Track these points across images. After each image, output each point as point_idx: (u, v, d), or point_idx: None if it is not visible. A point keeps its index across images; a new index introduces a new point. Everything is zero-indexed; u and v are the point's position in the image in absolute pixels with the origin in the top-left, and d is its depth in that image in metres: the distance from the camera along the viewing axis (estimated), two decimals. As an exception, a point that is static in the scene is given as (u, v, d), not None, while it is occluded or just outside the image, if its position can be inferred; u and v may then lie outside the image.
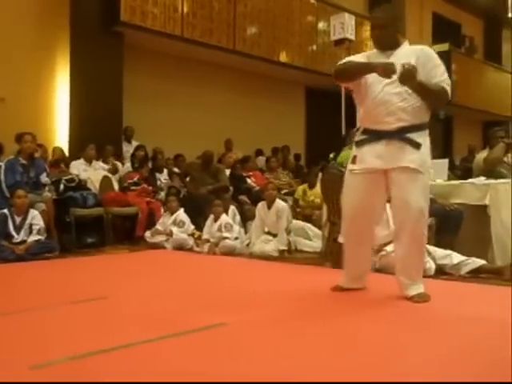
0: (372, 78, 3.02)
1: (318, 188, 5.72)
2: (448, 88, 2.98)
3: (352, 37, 7.50)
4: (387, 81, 2.94)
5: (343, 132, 7.02)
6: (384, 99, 2.98)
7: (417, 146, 2.96)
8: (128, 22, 7.39)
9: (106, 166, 7.07)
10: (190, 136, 8.50)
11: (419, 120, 3.00)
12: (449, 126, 14.40)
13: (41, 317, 2.76)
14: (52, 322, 2.66)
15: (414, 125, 2.98)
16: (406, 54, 3.01)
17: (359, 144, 3.14)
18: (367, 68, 3.02)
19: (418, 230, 2.99)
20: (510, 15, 12.54)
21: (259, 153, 9.42)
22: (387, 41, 3.09)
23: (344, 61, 3.19)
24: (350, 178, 3.17)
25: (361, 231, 3.17)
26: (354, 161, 3.16)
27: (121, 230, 6.46)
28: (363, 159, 3.09)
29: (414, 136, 2.97)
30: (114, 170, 7.06)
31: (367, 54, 3.22)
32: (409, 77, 2.80)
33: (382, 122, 3.00)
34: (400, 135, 2.97)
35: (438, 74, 2.98)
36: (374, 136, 3.05)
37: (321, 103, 10.55)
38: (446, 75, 3.02)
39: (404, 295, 3.07)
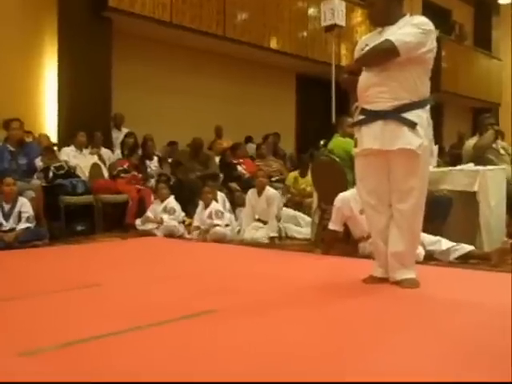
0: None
1: (309, 176, 5.73)
2: (394, 42, 2.84)
3: (342, 23, 7.48)
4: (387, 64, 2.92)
5: (333, 119, 7.03)
6: (374, 78, 2.97)
7: (412, 125, 2.89)
8: (116, 7, 7.30)
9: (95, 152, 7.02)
10: (181, 123, 8.45)
11: (416, 97, 2.93)
12: (438, 112, 14.41)
13: (32, 304, 2.76)
14: (43, 309, 2.66)
15: (410, 103, 2.92)
16: (398, 28, 2.97)
17: (357, 125, 3.11)
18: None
19: (413, 215, 2.99)
20: (500, 2, 12.52)
21: (249, 140, 9.39)
22: (379, 17, 3.07)
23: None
24: (357, 163, 3.17)
25: (381, 213, 3.09)
26: (355, 144, 3.16)
27: (111, 218, 6.43)
28: (362, 141, 3.07)
29: (410, 115, 2.90)
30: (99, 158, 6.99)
31: (367, 37, 3.22)
32: (344, 84, 3.05)
33: (376, 101, 2.97)
34: (394, 115, 2.92)
35: (398, 34, 2.91)
36: (370, 116, 3.00)
37: (312, 90, 10.53)
38: (404, 36, 2.87)
39: (391, 278, 3.07)
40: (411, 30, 2.90)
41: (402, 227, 3.01)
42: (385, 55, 2.92)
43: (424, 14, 13.53)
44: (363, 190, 3.14)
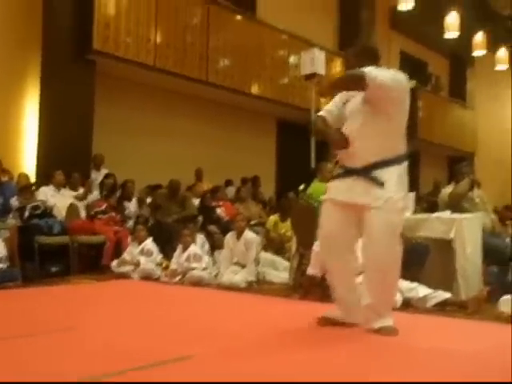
0: (348, 112, 3.15)
1: (289, 221, 5.74)
2: (366, 73, 2.91)
3: (322, 72, 7.62)
4: (360, 111, 3.06)
5: (313, 164, 7.10)
6: (351, 137, 3.06)
7: (380, 184, 2.97)
8: (101, 50, 7.39)
9: (75, 193, 6.96)
10: (161, 165, 8.46)
11: (386, 156, 3.01)
12: (415, 160, 14.70)
13: (1, 348, 2.67)
14: (13, 353, 2.57)
15: (380, 162, 3.00)
16: None
17: (335, 178, 3.25)
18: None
19: (384, 267, 3.01)
20: (474, 54, 12.99)
21: (228, 183, 9.43)
22: None
23: (322, 111, 3.31)
24: (323, 208, 3.24)
25: (336, 260, 3.18)
26: (327, 192, 3.25)
27: (87, 259, 6.33)
28: (334, 192, 3.17)
29: (380, 173, 2.99)
30: (84, 195, 6.93)
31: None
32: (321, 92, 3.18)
33: (350, 159, 3.09)
34: (365, 173, 3.01)
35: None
36: (346, 171, 3.13)
37: (292, 135, 10.67)
38: (377, 74, 2.95)
39: (369, 327, 3.07)
40: (383, 72, 3.01)
41: (373, 279, 3.06)
42: (351, 81, 3.04)
43: (401, 65, 14.07)
44: (323, 236, 3.24)
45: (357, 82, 2.96)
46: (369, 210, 2.99)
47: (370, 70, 2.93)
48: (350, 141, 3.06)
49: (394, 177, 3.01)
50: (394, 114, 3.04)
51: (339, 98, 3.29)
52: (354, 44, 3.48)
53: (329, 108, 3.30)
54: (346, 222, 3.11)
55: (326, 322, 3.22)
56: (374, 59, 3.17)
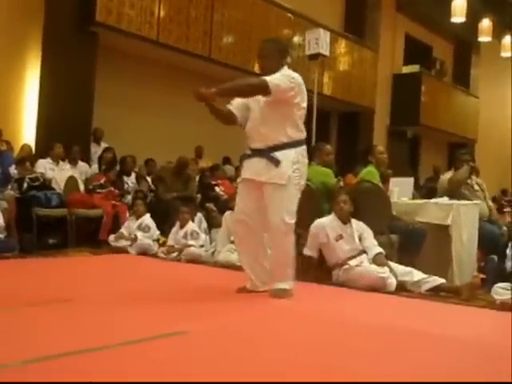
0: (252, 101, 3.58)
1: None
2: (268, 81, 3.39)
3: (326, 52, 7.58)
4: (261, 105, 3.50)
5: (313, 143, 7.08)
6: (255, 122, 3.55)
7: (276, 162, 3.42)
8: (103, 22, 7.31)
9: (73, 167, 6.95)
10: (161, 141, 8.44)
11: (282, 140, 3.47)
12: (416, 145, 14.69)
13: (-4, 317, 2.69)
14: (9, 323, 2.59)
15: (278, 144, 3.47)
16: None
17: (242, 158, 3.76)
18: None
19: (279, 241, 3.45)
20: (480, 40, 12.89)
21: (227, 161, 9.40)
22: (267, 68, 3.58)
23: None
24: (238, 187, 3.73)
25: (245, 233, 3.60)
26: (237, 172, 3.59)
27: (84, 233, 6.34)
28: (243, 171, 3.66)
29: (277, 154, 3.44)
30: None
31: None
32: (199, 97, 3.38)
33: (254, 140, 3.57)
34: (265, 153, 3.48)
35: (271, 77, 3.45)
36: (251, 152, 3.61)
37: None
38: (276, 80, 3.42)
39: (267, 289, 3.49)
40: (281, 78, 3.46)
41: (270, 247, 3.55)
42: (255, 90, 3.51)
43: (406, 48, 13.94)
44: (237, 210, 3.66)
45: (260, 91, 3.45)
46: (267, 185, 3.45)
47: (271, 79, 3.40)
48: (254, 125, 3.54)
49: (290, 157, 3.46)
50: (290, 107, 3.49)
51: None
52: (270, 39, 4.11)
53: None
54: (251, 197, 3.55)
55: (243, 290, 3.62)
56: (286, 56, 3.71)
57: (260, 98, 3.51)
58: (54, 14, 7.30)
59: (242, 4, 9.28)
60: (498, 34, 12.95)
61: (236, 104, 3.68)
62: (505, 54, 13.60)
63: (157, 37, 7.90)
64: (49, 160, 6.71)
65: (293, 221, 3.46)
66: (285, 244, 3.47)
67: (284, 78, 3.48)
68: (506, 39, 13.50)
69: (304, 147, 3.59)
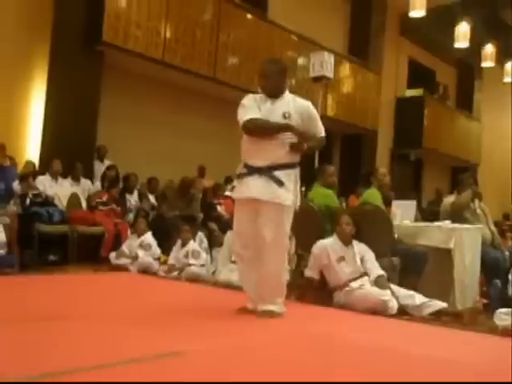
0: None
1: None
2: (323, 135, 3.63)
3: (330, 75, 7.64)
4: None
5: (316, 165, 7.08)
6: (258, 140, 3.48)
7: (280, 183, 3.40)
8: (110, 42, 7.39)
9: (74, 183, 6.95)
10: (164, 160, 8.46)
11: (285, 160, 3.46)
12: (418, 168, 14.70)
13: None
14: (5, 340, 2.57)
15: (280, 164, 3.44)
16: (286, 102, 3.55)
17: (239, 177, 3.62)
18: (276, 129, 3.48)
19: (273, 260, 3.40)
20: (483, 65, 12.98)
21: (228, 180, 9.41)
22: (270, 89, 3.58)
23: (248, 116, 3.56)
24: (235, 206, 3.67)
25: (251, 256, 3.52)
26: (233, 190, 3.64)
27: (85, 250, 6.32)
28: (241, 189, 3.57)
29: (279, 173, 3.42)
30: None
31: (255, 98, 3.65)
32: (297, 149, 3.44)
33: (253, 157, 3.50)
34: (267, 172, 3.43)
35: (317, 126, 3.60)
36: (250, 170, 3.52)
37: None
38: (321, 126, 3.62)
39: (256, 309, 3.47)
40: (320, 123, 3.63)
41: (260, 269, 3.45)
42: (322, 144, 3.70)
43: (410, 72, 14.02)
44: (238, 234, 3.60)
45: (322, 145, 3.70)
46: (268, 204, 3.39)
47: (323, 131, 3.63)
48: (257, 141, 3.50)
49: (292, 178, 3.48)
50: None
51: (252, 101, 3.63)
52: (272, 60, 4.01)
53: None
54: (252, 218, 3.47)
55: (244, 311, 3.58)
56: (286, 77, 3.68)
57: (275, 116, 3.51)
58: (61, 31, 7.38)
59: (247, 25, 9.38)
60: (500, 59, 13.03)
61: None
62: (507, 79, 13.68)
63: (162, 57, 7.97)
64: (48, 176, 6.69)
65: (288, 242, 3.48)
66: (277, 264, 3.45)
67: (319, 119, 3.66)
68: (509, 65, 13.59)
69: (299, 168, 3.61)
